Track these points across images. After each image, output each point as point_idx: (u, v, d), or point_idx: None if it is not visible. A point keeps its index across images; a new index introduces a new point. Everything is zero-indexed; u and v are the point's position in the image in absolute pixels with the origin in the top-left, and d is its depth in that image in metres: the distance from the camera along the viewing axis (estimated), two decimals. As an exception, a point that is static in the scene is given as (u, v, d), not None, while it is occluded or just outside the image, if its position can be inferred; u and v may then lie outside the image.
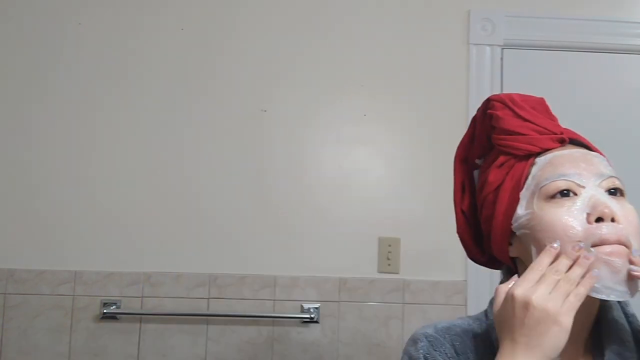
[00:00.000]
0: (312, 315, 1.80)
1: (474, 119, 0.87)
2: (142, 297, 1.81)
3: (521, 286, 0.66)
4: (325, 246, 1.86)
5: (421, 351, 0.77)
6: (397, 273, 1.86)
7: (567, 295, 0.65)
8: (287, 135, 1.90)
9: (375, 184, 1.90)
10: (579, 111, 1.91)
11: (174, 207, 1.85)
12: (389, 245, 1.86)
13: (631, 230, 0.69)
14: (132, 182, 1.86)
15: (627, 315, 0.78)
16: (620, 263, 0.66)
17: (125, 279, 1.81)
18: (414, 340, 0.79)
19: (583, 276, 0.66)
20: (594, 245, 0.67)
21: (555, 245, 0.69)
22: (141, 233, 1.84)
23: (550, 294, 0.65)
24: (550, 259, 0.68)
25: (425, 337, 0.78)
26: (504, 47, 1.95)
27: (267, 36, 1.93)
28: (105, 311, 1.78)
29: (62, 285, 1.80)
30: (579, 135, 0.80)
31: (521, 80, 1.94)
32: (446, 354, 0.77)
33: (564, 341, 0.64)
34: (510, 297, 0.67)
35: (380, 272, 1.86)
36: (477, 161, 0.87)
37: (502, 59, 1.95)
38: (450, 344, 0.78)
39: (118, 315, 1.79)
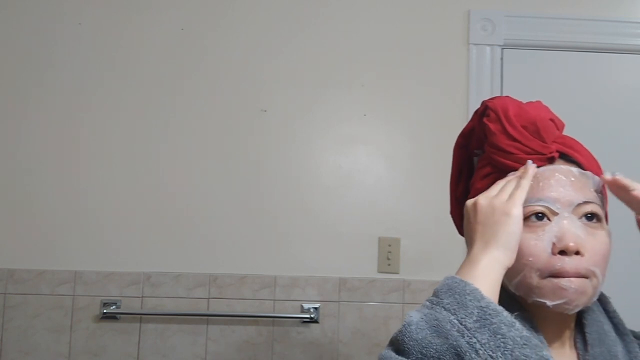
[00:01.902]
0: (312, 315, 1.80)
1: (474, 115, 0.88)
2: (142, 297, 1.81)
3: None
4: (325, 246, 1.86)
5: None
6: (397, 273, 1.86)
7: (514, 191, 0.72)
8: (287, 135, 1.90)
9: (375, 184, 1.90)
10: (578, 111, 1.91)
11: (174, 207, 1.85)
12: (389, 245, 1.86)
13: (597, 259, 0.72)
14: (132, 183, 1.86)
15: (607, 311, 0.80)
16: (570, 296, 0.70)
17: (125, 279, 1.81)
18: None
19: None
20: (552, 276, 0.71)
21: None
22: (141, 233, 1.84)
23: (497, 195, 0.73)
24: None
25: None
26: (504, 47, 1.95)
27: (267, 36, 1.93)
28: (105, 311, 1.78)
29: (62, 285, 1.80)
30: (573, 149, 0.80)
31: (521, 80, 1.94)
32: None
33: (516, 230, 0.69)
34: (464, 210, 0.76)
35: (380, 272, 1.86)
36: (477, 151, 0.88)
37: (502, 59, 1.95)
38: None
39: (118, 315, 1.79)
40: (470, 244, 0.73)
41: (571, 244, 0.70)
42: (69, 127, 1.87)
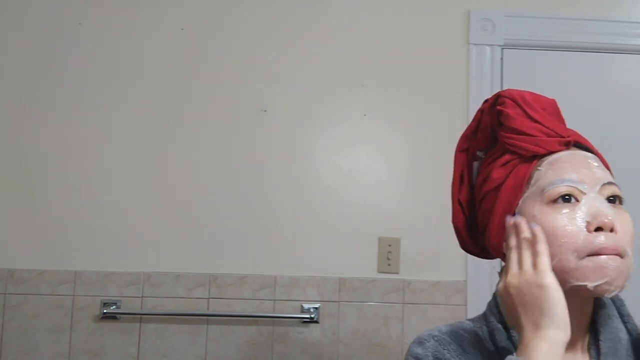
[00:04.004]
0: (312, 315, 1.80)
1: (480, 112, 0.87)
2: (142, 297, 1.81)
3: (501, 280, 0.72)
4: (325, 246, 1.86)
5: (430, 349, 0.76)
6: (397, 273, 1.86)
7: (534, 259, 0.69)
8: (287, 135, 1.90)
9: (375, 184, 1.90)
10: (578, 111, 1.90)
11: (174, 207, 1.85)
12: (389, 245, 1.86)
13: (627, 239, 0.71)
14: (132, 183, 1.86)
15: (622, 315, 0.79)
16: (611, 274, 0.68)
17: (125, 279, 1.81)
18: (419, 342, 0.78)
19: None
20: (591, 254, 0.69)
21: (511, 221, 0.74)
22: (141, 233, 1.84)
23: (520, 268, 0.69)
24: (514, 239, 0.73)
25: (432, 337, 0.78)
26: (504, 47, 1.95)
27: (267, 36, 1.93)
28: (105, 311, 1.78)
29: (62, 285, 1.80)
30: (583, 138, 0.80)
31: (521, 80, 1.93)
32: (455, 352, 0.76)
33: (558, 299, 0.66)
34: (499, 296, 0.73)
35: (380, 272, 1.86)
36: (479, 153, 0.87)
37: (502, 59, 1.95)
38: (457, 344, 0.77)
39: (118, 315, 1.79)
40: (518, 328, 0.70)
41: (607, 220, 0.69)
42: (69, 127, 1.87)
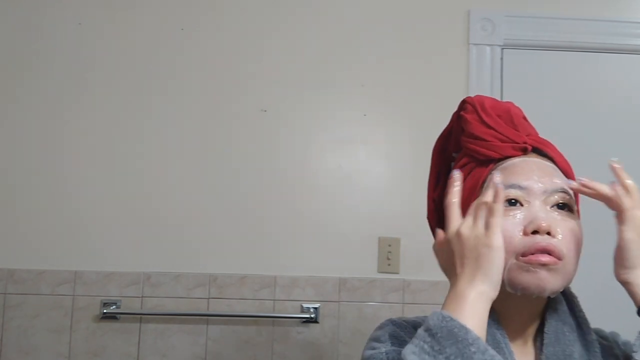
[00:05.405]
0: (312, 315, 1.80)
1: (453, 115, 0.91)
2: (142, 297, 1.81)
3: (450, 226, 0.74)
4: (325, 246, 1.86)
5: (387, 330, 0.80)
6: (397, 273, 1.86)
7: (488, 218, 0.70)
8: (287, 135, 1.90)
9: (375, 184, 1.90)
10: (578, 111, 1.91)
11: (173, 207, 1.85)
12: (389, 245, 1.86)
13: (568, 242, 0.73)
14: (132, 182, 1.86)
15: (573, 310, 0.81)
16: (541, 277, 0.70)
17: (125, 279, 1.81)
18: (379, 327, 0.83)
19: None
20: (525, 255, 0.71)
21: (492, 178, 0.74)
22: (141, 233, 1.84)
23: (474, 222, 0.71)
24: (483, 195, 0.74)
25: (392, 322, 0.83)
26: (504, 47, 1.95)
27: (267, 36, 1.93)
28: (105, 311, 1.78)
29: (62, 285, 1.80)
30: (545, 145, 0.82)
31: (521, 80, 1.94)
32: (411, 334, 0.78)
33: (500, 262, 0.68)
34: (445, 241, 0.75)
35: (380, 272, 1.86)
36: (454, 154, 0.91)
37: (502, 59, 1.95)
38: (414, 328, 0.80)
39: (118, 315, 1.79)
40: (452, 275, 0.72)
41: (543, 224, 0.71)
42: (69, 127, 1.87)
